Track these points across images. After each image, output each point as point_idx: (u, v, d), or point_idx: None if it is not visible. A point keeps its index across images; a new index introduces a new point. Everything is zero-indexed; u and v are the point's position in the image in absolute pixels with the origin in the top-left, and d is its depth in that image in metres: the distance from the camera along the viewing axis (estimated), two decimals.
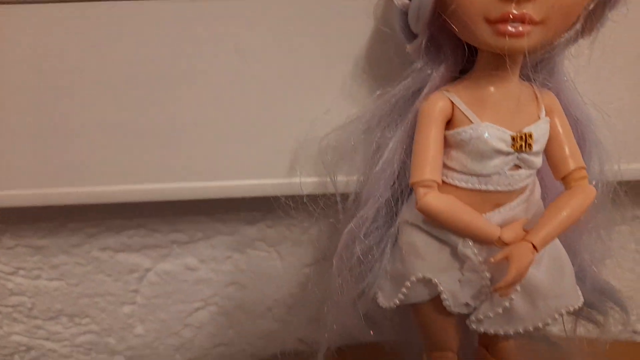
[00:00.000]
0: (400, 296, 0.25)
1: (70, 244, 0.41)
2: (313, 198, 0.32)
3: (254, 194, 0.33)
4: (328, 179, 0.30)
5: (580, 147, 0.25)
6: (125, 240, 0.42)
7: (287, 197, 0.32)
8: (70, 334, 0.45)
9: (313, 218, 0.41)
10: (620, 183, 0.40)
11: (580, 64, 0.26)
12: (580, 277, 0.28)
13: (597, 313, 0.30)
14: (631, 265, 0.47)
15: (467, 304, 0.24)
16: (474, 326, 0.24)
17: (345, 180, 0.31)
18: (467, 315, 0.25)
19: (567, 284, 0.25)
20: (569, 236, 0.28)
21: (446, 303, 0.24)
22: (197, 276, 0.43)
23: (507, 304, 0.23)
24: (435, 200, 0.23)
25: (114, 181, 0.32)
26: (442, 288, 0.24)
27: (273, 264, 0.44)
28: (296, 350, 0.48)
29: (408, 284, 0.24)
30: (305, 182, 0.31)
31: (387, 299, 0.26)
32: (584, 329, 0.45)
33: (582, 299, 0.25)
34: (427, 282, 0.24)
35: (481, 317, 0.24)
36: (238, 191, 0.32)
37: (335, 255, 0.27)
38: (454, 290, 0.24)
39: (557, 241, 0.26)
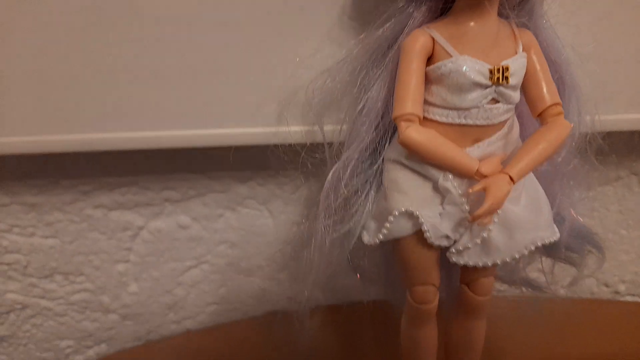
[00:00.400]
0: (384, 231, 0.26)
1: (64, 201, 0.42)
2: (302, 152, 0.32)
3: (242, 142, 0.33)
4: (316, 127, 0.31)
5: (559, 91, 0.26)
6: (118, 198, 0.42)
7: (276, 147, 0.33)
8: (65, 292, 0.46)
9: (303, 176, 0.42)
10: (604, 139, 0.42)
11: (560, 8, 0.27)
12: (559, 220, 0.29)
13: (574, 255, 0.31)
14: (613, 226, 0.49)
15: (447, 237, 0.25)
16: (454, 258, 0.25)
17: (332, 129, 0.31)
18: (448, 250, 0.26)
19: (544, 219, 0.26)
20: (548, 179, 0.29)
21: (427, 235, 0.25)
22: (189, 234, 0.44)
23: (485, 234, 0.24)
24: (416, 133, 0.23)
25: (102, 129, 0.32)
26: (422, 220, 0.25)
27: (264, 222, 0.44)
28: (287, 309, 0.50)
29: (391, 218, 0.25)
30: (294, 130, 0.32)
31: (371, 236, 0.27)
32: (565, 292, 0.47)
33: (557, 234, 0.26)
34: (409, 215, 0.25)
35: (460, 248, 0.25)
36: (225, 140, 0.33)
37: (321, 195, 0.28)
38: (435, 222, 0.25)
39: (536, 182, 0.27)
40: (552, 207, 0.28)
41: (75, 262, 0.45)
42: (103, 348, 0.49)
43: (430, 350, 0.29)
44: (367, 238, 0.27)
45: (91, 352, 0.49)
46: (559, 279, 0.33)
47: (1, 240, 0.43)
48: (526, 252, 0.25)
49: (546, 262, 0.32)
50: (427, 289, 0.27)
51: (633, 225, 0.48)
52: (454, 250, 0.25)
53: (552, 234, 0.26)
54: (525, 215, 0.25)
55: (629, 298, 0.52)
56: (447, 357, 0.30)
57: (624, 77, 0.34)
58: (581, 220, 0.30)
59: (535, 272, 0.34)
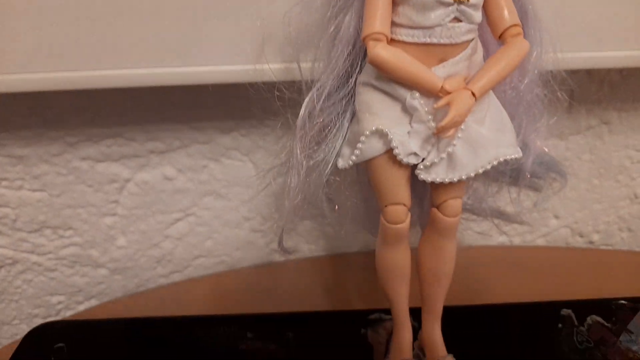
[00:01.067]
0: (357, 152, 0.27)
1: (51, 153, 0.43)
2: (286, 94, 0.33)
3: (220, 80, 0.34)
4: (295, 65, 0.32)
5: (522, 22, 0.28)
6: (104, 150, 0.43)
7: (256, 89, 0.34)
8: (55, 247, 0.47)
9: (286, 127, 0.43)
10: (572, 91, 0.43)
11: None
12: (523, 149, 0.31)
13: (538, 181, 0.32)
14: (586, 176, 0.51)
15: (415, 154, 0.27)
16: (422, 175, 0.27)
17: (310, 66, 0.32)
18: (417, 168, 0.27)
19: (507, 139, 0.28)
20: (513, 106, 0.30)
21: (396, 152, 0.26)
22: (175, 186, 0.45)
23: (450, 149, 0.26)
24: (384, 50, 0.25)
25: (81, 67, 0.33)
26: (392, 137, 0.26)
27: (247, 173, 0.46)
28: (272, 260, 0.51)
29: (363, 138, 0.27)
30: (273, 68, 0.33)
31: (345, 161, 0.28)
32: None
33: (520, 153, 0.28)
34: (380, 134, 0.26)
35: (428, 164, 0.27)
36: (203, 78, 0.34)
37: (297, 122, 0.29)
38: (404, 140, 0.26)
39: (500, 107, 0.29)
40: (517, 135, 0.30)
41: (63, 216, 0.46)
42: (93, 303, 0.50)
43: (403, 271, 0.30)
44: (341, 163, 0.29)
45: (81, 308, 0.50)
46: (525, 208, 0.35)
47: None
48: (489, 167, 0.27)
49: (512, 191, 0.33)
50: (398, 208, 0.28)
51: (605, 174, 0.50)
52: (422, 167, 0.27)
53: (514, 152, 0.27)
54: (488, 135, 0.27)
55: (602, 248, 0.55)
56: (420, 281, 0.31)
57: (586, 14, 0.35)
58: (545, 148, 0.32)
59: (503, 203, 0.36)
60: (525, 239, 0.53)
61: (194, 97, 0.41)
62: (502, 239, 0.53)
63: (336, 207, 0.34)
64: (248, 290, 0.48)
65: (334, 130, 0.30)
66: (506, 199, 0.34)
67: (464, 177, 0.27)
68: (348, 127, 0.30)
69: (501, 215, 0.34)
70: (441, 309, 0.31)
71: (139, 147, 0.43)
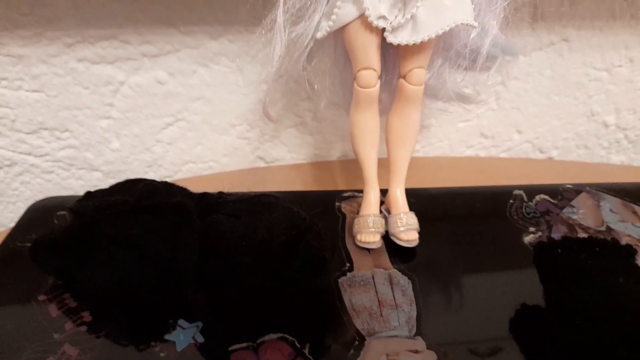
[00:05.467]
0: (333, 17, 0.31)
1: (49, 53, 0.45)
2: None
3: None
4: None
5: None
6: (100, 52, 0.46)
7: None
8: (51, 149, 0.50)
9: (271, 33, 0.46)
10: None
11: None
12: (482, 33, 0.35)
13: (493, 64, 0.36)
14: (546, 92, 0.55)
15: (384, 17, 0.30)
16: (389, 38, 0.31)
17: None
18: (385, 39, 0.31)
19: (466, 9, 0.31)
20: None
21: (367, 13, 0.30)
22: (166, 90, 0.48)
23: (414, 10, 0.30)
24: None
25: None
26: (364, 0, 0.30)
27: (234, 79, 0.49)
28: (257, 167, 0.55)
29: (339, 3, 0.30)
30: None
31: (322, 30, 0.32)
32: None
33: (476, 24, 0.32)
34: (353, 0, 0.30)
35: (395, 25, 0.30)
36: None
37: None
38: (375, 4, 0.30)
39: None
40: (476, 19, 0.34)
41: (60, 117, 0.48)
42: None
43: (372, 134, 0.34)
44: (319, 34, 0.32)
45: None
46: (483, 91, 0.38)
47: None
48: (447, 29, 0.30)
49: (470, 75, 0.37)
50: (369, 73, 0.32)
51: (564, 91, 0.55)
52: (389, 29, 0.30)
53: (471, 20, 0.31)
54: (448, 3, 0.31)
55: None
56: (387, 146, 0.35)
57: None
58: (501, 33, 0.36)
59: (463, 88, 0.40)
60: (490, 153, 0.58)
61: (185, 0, 0.44)
62: (469, 152, 0.57)
63: (315, 86, 0.38)
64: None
65: (313, 6, 0.33)
66: (466, 83, 0.38)
67: (426, 37, 0.30)
68: (325, 4, 0.33)
69: (461, 97, 0.38)
70: (405, 171, 0.35)
71: (132, 50, 0.46)
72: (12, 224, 0.53)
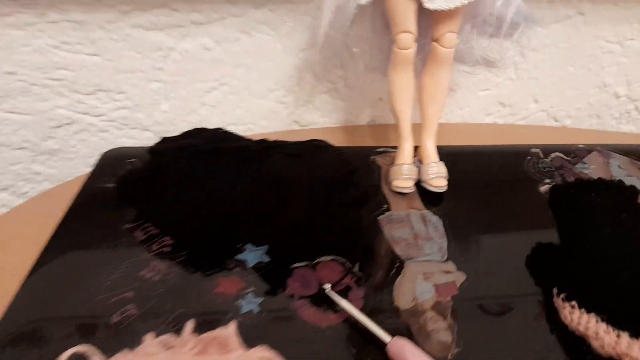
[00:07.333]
0: None
1: (107, 20, 0.50)
2: None
3: None
4: None
5: None
6: (152, 19, 0.50)
7: None
8: (107, 109, 0.55)
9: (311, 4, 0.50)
10: None
11: None
12: (506, 4, 0.39)
13: (516, 31, 0.40)
14: (562, 63, 0.59)
15: None
16: (427, 4, 0.35)
17: None
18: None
19: None
20: None
21: None
22: (211, 56, 0.53)
23: None
24: None
25: None
26: None
27: (274, 46, 0.53)
28: (291, 129, 0.59)
29: None
30: None
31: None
32: None
33: None
34: None
35: None
36: None
37: None
38: None
39: None
40: None
41: (115, 80, 0.53)
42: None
43: (408, 93, 0.39)
44: (364, 1, 0.36)
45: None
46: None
47: (52, 56, 0.51)
48: None
49: (495, 42, 0.41)
50: (407, 35, 0.36)
51: (578, 62, 0.58)
52: None
53: None
54: None
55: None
56: (420, 104, 0.40)
57: None
58: (523, 3, 0.40)
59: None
60: (508, 120, 0.62)
61: None
62: (488, 120, 0.61)
63: (354, 50, 0.42)
64: None
65: None
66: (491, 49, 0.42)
67: (459, 4, 0.35)
68: None
69: (486, 61, 0.42)
70: (436, 126, 0.40)
71: (182, 17, 0.50)
72: (68, 179, 0.59)
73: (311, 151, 0.34)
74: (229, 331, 0.24)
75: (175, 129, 0.56)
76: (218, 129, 0.36)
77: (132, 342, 0.25)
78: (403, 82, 0.38)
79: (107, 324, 0.28)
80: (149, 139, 0.57)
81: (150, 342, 0.24)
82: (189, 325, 0.25)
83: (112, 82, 0.53)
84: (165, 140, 0.37)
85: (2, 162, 0.57)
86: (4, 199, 0.60)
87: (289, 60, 0.54)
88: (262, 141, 0.36)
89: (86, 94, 0.53)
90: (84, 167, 0.58)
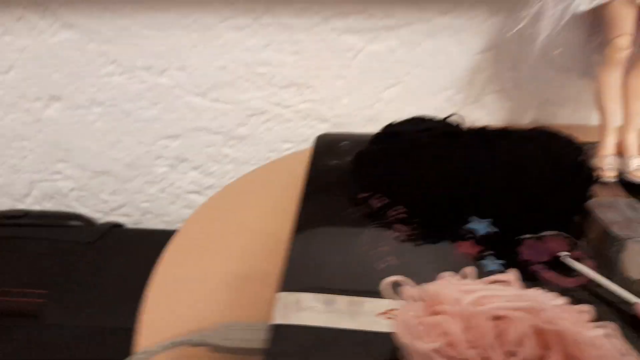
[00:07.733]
0: None
1: (312, 23, 0.57)
2: None
3: None
4: None
5: None
6: (350, 23, 0.57)
7: None
8: (296, 102, 0.62)
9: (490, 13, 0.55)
10: None
11: None
12: None
13: None
14: None
15: None
16: None
17: None
18: None
19: None
20: None
21: None
22: (395, 57, 0.59)
23: None
24: None
25: None
26: None
27: (452, 49, 0.58)
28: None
29: None
30: None
31: (586, 5, 0.40)
32: None
33: None
34: None
35: None
36: None
37: None
38: None
39: None
40: None
41: (307, 76, 0.60)
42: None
43: (615, 90, 0.42)
44: (582, 7, 0.40)
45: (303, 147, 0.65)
46: None
47: (260, 54, 0.59)
48: None
49: None
50: (627, 38, 0.40)
51: None
52: None
53: None
54: None
55: None
56: (625, 98, 0.43)
57: None
58: None
59: None
60: None
61: None
62: None
63: (555, 52, 0.46)
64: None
65: None
66: None
67: None
68: None
69: None
70: (638, 122, 0.43)
71: (376, 22, 0.57)
72: (252, 161, 0.67)
73: (545, 135, 0.38)
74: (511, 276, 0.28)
75: (350, 122, 0.63)
76: (434, 118, 0.41)
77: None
78: (612, 81, 0.42)
79: (374, 270, 0.33)
80: (325, 129, 0.64)
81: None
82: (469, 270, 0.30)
83: (304, 78, 0.60)
84: (390, 125, 0.43)
85: (199, 144, 0.67)
86: (194, 177, 0.70)
87: (464, 63, 0.59)
88: (484, 128, 0.41)
89: (282, 87, 0.61)
90: (266, 151, 0.66)
